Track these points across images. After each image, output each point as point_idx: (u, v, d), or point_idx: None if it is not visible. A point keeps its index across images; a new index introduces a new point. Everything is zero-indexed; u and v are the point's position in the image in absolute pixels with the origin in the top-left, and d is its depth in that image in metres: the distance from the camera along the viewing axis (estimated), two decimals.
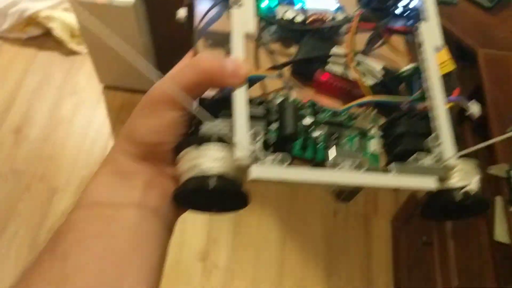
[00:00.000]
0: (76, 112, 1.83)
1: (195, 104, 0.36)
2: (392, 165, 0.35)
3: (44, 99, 1.85)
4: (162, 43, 1.71)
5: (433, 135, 0.37)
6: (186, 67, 0.34)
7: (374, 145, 0.40)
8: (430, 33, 0.41)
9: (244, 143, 0.32)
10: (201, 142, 0.33)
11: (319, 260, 1.59)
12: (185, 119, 0.35)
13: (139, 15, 1.57)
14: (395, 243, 1.56)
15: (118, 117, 1.82)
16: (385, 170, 0.37)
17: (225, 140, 0.33)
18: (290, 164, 0.35)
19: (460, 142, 0.38)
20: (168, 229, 0.37)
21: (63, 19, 1.92)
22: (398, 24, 0.46)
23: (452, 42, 1.11)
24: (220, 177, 0.32)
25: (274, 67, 0.40)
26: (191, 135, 0.35)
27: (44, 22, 1.93)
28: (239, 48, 0.36)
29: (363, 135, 0.40)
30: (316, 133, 0.38)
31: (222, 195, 0.33)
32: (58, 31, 1.93)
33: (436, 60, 0.40)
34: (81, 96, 1.88)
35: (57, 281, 0.32)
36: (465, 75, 1.18)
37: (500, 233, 0.92)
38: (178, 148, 0.34)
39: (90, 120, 1.82)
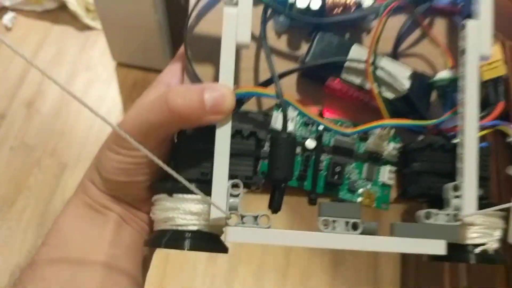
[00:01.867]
0: (89, 88, 1.82)
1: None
2: (395, 225, 0.30)
3: (58, 73, 1.84)
4: (176, 19, 1.68)
5: (452, 184, 0.31)
6: (155, 103, 0.30)
7: (387, 173, 0.35)
8: (478, 36, 0.32)
9: (221, 202, 0.29)
10: (175, 192, 0.30)
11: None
12: (162, 154, 0.32)
13: None
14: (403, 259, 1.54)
15: (130, 95, 1.81)
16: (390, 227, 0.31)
17: (202, 197, 0.29)
18: (284, 194, 0.32)
19: (486, 183, 0.33)
20: (143, 266, 0.35)
21: None
22: (443, 1, 0.38)
23: None
24: (196, 234, 0.30)
25: (268, 82, 0.35)
26: (166, 178, 0.30)
27: None
28: (227, 68, 0.30)
29: (376, 159, 0.35)
30: (318, 159, 0.34)
31: (198, 248, 0.31)
32: (74, 5, 1.90)
33: (477, 79, 0.32)
34: (95, 72, 1.86)
35: None
36: None
37: None
38: (153, 190, 0.32)
39: (102, 96, 1.80)
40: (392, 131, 0.35)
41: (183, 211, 0.29)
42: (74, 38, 1.94)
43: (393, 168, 0.35)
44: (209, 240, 0.30)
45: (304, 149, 0.34)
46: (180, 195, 0.30)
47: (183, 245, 0.29)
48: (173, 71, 0.37)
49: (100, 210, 0.33)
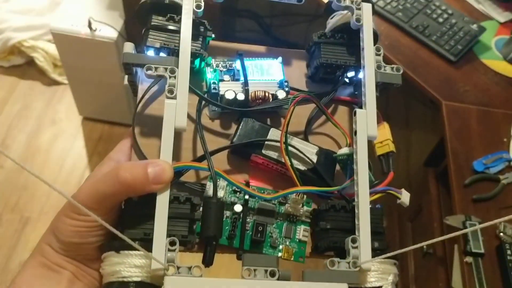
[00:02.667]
0: (54, 142, 1.84)
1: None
2: (305, 272, 0.36)
3: (23, 128, 1.86)
4: None
5: (350, 237, 0.37)
6: (107, 176, 0.36)
7: (302, 232, 0.41)
8: (365, 122, 0.40)
9: (160, 253, 0.34)
10: (121, 249, 0.35)
11: None
12: (112, 218, 0.37)
13: (120, 50, 1.60)
14: None
15: (96, 149, 1.84)
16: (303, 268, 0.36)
17: (143, 252, 0.34)
18: (215, 250, 0.38)
19: (381, 237, 0.39)
20: None
21: (46, 49, 1.95)
22: (345, 93, 0.47)
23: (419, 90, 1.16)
24: (139, 284, 0.34)
25: (202, 158, 0.41)
26: (114, 240, 0.36)
27: (27, 51, 1.95)
28: (167, 147, 0.37)
29: (293, 221, 0.41)
30: (245, 221, 0.40)
31: None
32: (41, 60, 1.95)
33: (366, 153, 0.39)
34: (60, 126, 1.89)
35: None
36: (435, 122, 1.22)
37: (457, 281, 0.95)
38: (102, 250, 0.36)
39: (67, 151, 1.83)
40: (305, 197, 0.41)
41: (128, 264, 0.34)
42: (41, 93, 1.98)
43: (307, 228, 0.41)
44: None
45: (233, 212, 0.40)
46: (126, 252, 0.34)
47: None
48: (122, 150, 0.43)
49: (54, 268, 0.37)
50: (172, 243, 0.34)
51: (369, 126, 0.40)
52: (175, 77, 0.39)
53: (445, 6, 1.28)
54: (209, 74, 0.45)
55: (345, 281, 0.35)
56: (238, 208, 0.40)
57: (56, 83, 1.99)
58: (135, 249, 0.33)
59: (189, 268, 0.34)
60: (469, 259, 0.91)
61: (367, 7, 0.44)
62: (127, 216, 0.37)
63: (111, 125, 1.89)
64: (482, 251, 0.91)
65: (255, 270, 0.35)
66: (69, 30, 1.52)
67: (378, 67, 0.43)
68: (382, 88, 0.43)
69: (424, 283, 1.13)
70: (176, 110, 0.38)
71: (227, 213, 0.40)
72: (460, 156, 1.05)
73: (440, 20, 1.25)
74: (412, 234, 1.28)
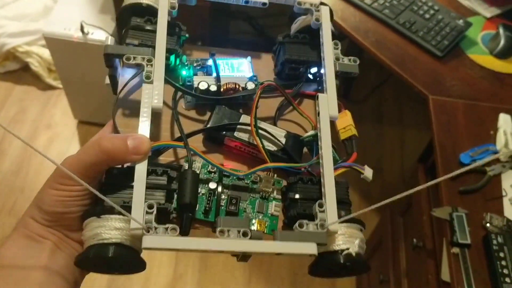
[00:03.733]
0: (50, 146, 1.86)
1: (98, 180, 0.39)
2: (276, 233, 0.38)
3: (19, 132, 1.88)
4: None
5: (317, 202, 0.40)
6: (90, 147, 0.38)
7: (274, 207, 0.43)
8: (327, 104, 0.44)
9: (139, 216, 0.36)
10: (102, 213, 0.36)
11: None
12: (90, 193, 0.38)
13: None
14: (357, 281, 1.59)
15: None
16: (273, 233, 0.39)
17: (123, 212, 0.35)
18: (192, 227, 0.39)
19: (347, 207, 0.42)
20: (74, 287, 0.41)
21: (41, 54, 1.96)
22: (310, 89, 0.51)
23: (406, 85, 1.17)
24: (118, 245, 0.35)
25: (180, 138, 0.43)
26: (96, 206, 0.38)
27: (22, 56, 1.97)
28: (145, 123, 0.40)
29: (265, 197, 0.44)
30: (219, 197, 0.42)
31: (121, 261, 0.36)
32: (36, 65, 1.97)
33: (329, 131, 0.43)
34: (56, 130, 1.90)
35: None
36: (426, 119, 1.23)
37: (446, 273, 0.96)
38: (83, 217, 0.38)
39: (63, 154, 1.84)
40: (275, 176, 0.44)
41: (108, 227, 0.36)
42: (36, 97, 1.99)
43: (279, 203, 0.44)
44: (130, 251, 0.36)
45: (208, 189, 0.42)
46: (107, 216, 0.36)
47: (108, 252, 0.35)
48: (104, 132, 0.46)
49: (37, 239, 0.39)
50: (150, 206, 0.36)
51: (330, 108, 0.44)
52: (152, 65, 0.42)
53: (432, 2, 1.29)
54: (184, 71, 0.49)
55: (314, 240, 0.37)
56: (212, 185, 0.42)
57: (51, 87, 2.01)
58: (115, 213, 0.36)
59: (166, 229, 0.36)
60: (456, 250, 0.92)
61: (325, 9, 0.49)
62: (107, 186, 0.39)
63: None
64: (469, 242, 0.92)
65: (228, 230, 0.37)
66: (61, 34, 1.53)
67: (337, 58, 0.48)
68: (342, 77, 0.47)
69: (415, 276, 1.14)
70: (153, 92, 0.41)
71: (202, 190, 0.42)
72: (447, 150, 1.06)
73: (427, 16, 1.27)
74: (404, 228, 1.29)
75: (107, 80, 0.47)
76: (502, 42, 1.24)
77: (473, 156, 1.05)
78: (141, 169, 0.38)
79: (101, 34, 1.54)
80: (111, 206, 0.35)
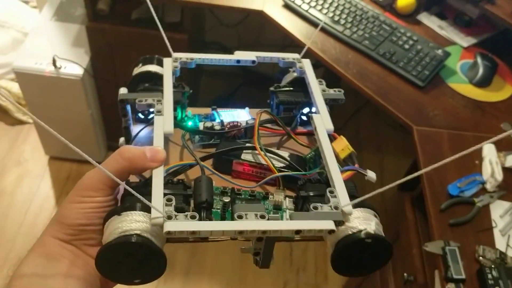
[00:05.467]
0: (19, 184, 1.77)
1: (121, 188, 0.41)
2: (293, 214, 0.40)
3: None
4: (110, 113, 1.71)
5: (328, 189, 0.41)
6: (110, 158, 0.41)
7: (288, 215, 0.44)
8: (321, 120, 0.49)
9: (159, 205, 0.37)
10: (123, 211, 0.37)
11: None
12: (112, 204, 0.41)
13: (87, 88, 1.57)
14: None
15: (64, 188, 1.77)
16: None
17: (144, 209, 0.37)
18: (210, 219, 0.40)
19: (355, 198, 0.42)
20: None
21: (9, 88, 1.90)
22: (303, 128, 0.56)
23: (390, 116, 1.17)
24: (139, 235, 0.36)
25: (194, 161, 0.47)
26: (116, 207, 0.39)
27: None
28: (159, 141, 0.44)
29: (278, 208, 0.45)
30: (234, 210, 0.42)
31: (142, 254, 0.36)
32: (4, 100, 1.90)
33: (328, 141, 0.47)
34: (26, 167, 1.82)
35: None
36: (406, 145, 1.22)
37: None
38: (105, 219, 0.38)
39: (34, 192, 1.76)
40: (285, 189, 0.46)
41: (130, 220, 0.36)
42: (5, 133, 1.91)
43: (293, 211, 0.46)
44: (151, 242, 0.36)
45: (223, 202, 0.44)
46: (128, 212, 0.37)
47: (130, 238, 0.35)
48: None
49: (54, 257, 0.39)
50: (169, 199, 0.38)
51: (325, 123, 0.49)
52: (161, 103, 0.48)
53: (410, 33, 1.30)
54: (190, 122, 0.53)
55: (331, 218, 0.39)
56: (226, 198, 0.44)
57: (21, 122, 1.94)
58: (136, 210, 0.37)
59: (186, 216, 0.37)
60: (450, 285, 0.89)
61: (306, 61, 0.56)
62: (127, 196, 0.40)
63: (80, 164, 1.84)
64: (464, 277, 0.90)
65: (246, 214, 0.38)
66: (32, 69, 1.48)
67: (323, 90, 0.53)
68: (330, 104, 0.53)
69: None
70: (164, 121, 0.46)
71: (217, 204, 0.44)
72: (434, 181, 1.05)
73: (406, 46, 1.27)
74: (392, 261, 1.26)
75: (122, 141, 0.53)
76: (480, 71, 1.25)
77: (461, 187, 1.04)
78: (158, 172, 0.40)
79: (75, 68, 1.50)
80: (131, 205, 0.37)
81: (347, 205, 0.39)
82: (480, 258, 0.93)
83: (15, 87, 1.88)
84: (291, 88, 0.56)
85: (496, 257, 0.93)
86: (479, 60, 1.27)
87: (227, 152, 0.49)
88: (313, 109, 0.53)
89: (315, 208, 0.39)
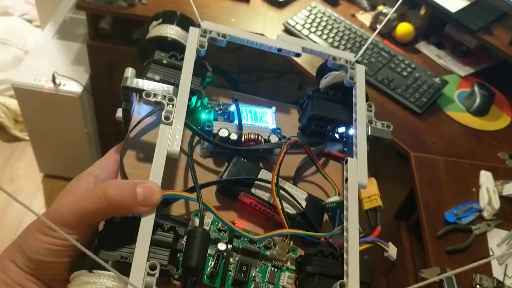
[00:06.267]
0: (11, 202, 1.75)
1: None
2: None
3: None
4: (107, 132, 1.71)
5: (338, 282, 0.35)
6: (93, 193, 0.33)
7: (286, 278, 0.39)
8: (357, 170, 0.40)
9: (139, 277, 0.31)
10: (94, 268, 0.31)
11: None
12: (88, 238, 0.34)
13: (84, 106, 1.57)
14: None
15: None
16: None
17: (119, 270, 0.30)
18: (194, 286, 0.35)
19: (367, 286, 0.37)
20: None
21: (7, 104, 1.90)
22: (334, 149, 0.47)
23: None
24: None
25: (193, 188, 0.39)
26: (86, 258, 0.32)
27: None
28: (158, 168, 0.35)
29: (278, 266, 0.39)
30: (228, 261, 0.37)
31: None
32: (1, 116, 1.89)
33: (357, 201, 0.39)
34: (19, 185, 1.80)
35: None
36: (400, 175, 1.22)
37: None
38: (72, 268, 0.33)
39: (25, 211, 1.72)
40: (291, 243, 0.40)
41: (100, 285, 0.31)
42: (1, 149, 1.90)
43: (292, 275, 0.39)
44: None
45: (216, 250, 0.38)
46: (100, 272, 0.31)
47: None
48: (102, 166, 0.41)
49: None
50: (152, 267, 0.32)
51: (360, 175, 0.40)
52: (173, 105, 0.39)
53: (408, 61, 1.31)
54: (204, 115, 0.45)
55: None
56: (222, 246, 0.38)
57: (17, 139, 1.93)
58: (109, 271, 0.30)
59: None
60: None
61: (360, 67, 0.46)
62: (106, 237, 0.34)
63: None
64: None
65: None
66: (31, 85, 1.48)
67: (370, 121, 0.44)
68: (372, 142, 0.44)
69: None
70: (170, 135, 0.37)
71: (210, 251, 0.37)
72: (431, 207, 1.04)
73: (404, 73, 1.28)
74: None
75: (119, 113, 0.43)
76: (477, 100, 1.26)
77: (458, 214, 1.03)
78: (147, 223, 0.33)
79: (74, 85, 1.50)
80: (105, 260, 0.30)
81: None
82: (477, 286, 0.91)
83: (13, 104, 1.88)
84: (331, 94, 0.47)
85: (494, 286, 0.92)
86: (476, 89, 1.28)
87: (236, 181, 0.42)
88: (350, 131, 0.45)
89: None
